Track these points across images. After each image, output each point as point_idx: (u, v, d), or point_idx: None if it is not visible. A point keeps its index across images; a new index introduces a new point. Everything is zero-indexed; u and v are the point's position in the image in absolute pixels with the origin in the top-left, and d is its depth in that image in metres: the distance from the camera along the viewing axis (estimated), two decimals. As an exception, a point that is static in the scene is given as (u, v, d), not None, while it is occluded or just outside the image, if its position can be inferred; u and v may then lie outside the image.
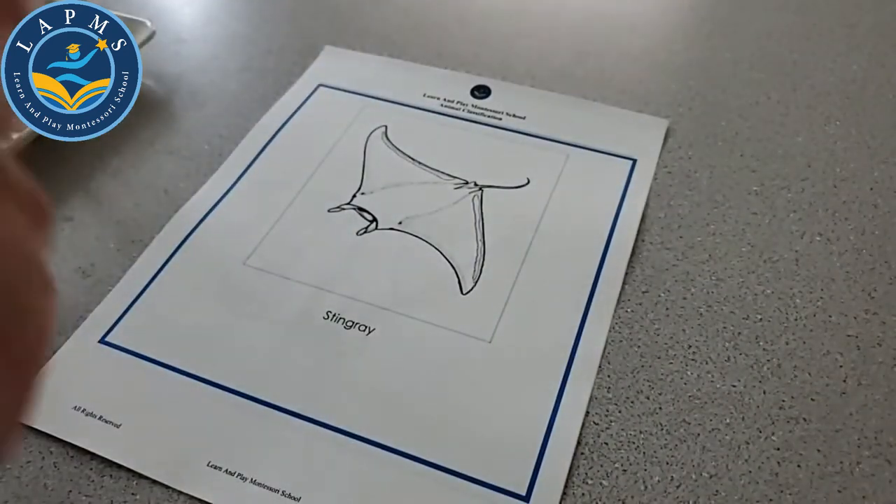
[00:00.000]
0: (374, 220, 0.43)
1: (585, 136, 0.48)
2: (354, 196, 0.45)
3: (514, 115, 0.50)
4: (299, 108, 0.50)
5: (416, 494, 0.32)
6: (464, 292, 0.40)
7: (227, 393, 0.36)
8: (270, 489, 0.33)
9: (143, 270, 0.41)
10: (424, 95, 0.51)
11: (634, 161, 0.46)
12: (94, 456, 0.34)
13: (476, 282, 0.40)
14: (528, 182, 0.45)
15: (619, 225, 0.42)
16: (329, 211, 0.44)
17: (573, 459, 0.34)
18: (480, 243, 0.42)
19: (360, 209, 0.44)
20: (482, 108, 0.50)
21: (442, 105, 0.51)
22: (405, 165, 0.46)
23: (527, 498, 0.32)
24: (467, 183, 0.45)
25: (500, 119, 0.49)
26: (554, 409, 0.35)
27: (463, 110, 0.50)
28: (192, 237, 0.43)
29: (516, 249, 0.41)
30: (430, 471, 0.33)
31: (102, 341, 0.38)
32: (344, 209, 0.44)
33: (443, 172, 0.46)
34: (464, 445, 0.34)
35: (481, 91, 0.51)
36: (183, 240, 0.43)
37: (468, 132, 0.49)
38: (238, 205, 0.45)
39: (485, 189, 0.44)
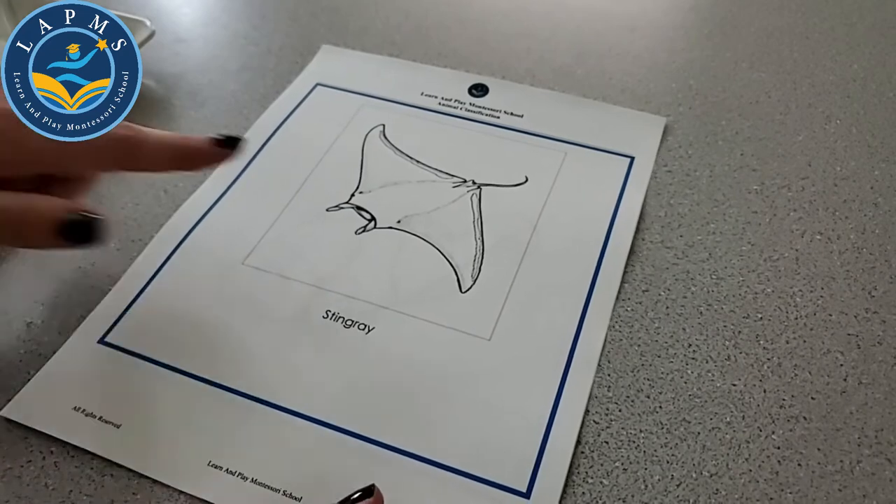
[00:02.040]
0: (373, 218, 0.43)
1: (583, 134, 0.48)
2: (353, 195, 0.45)
3: (511, 114, 0.50)
4: (297, 107, 0.50)
5: (416, 492, 0.32)
6: (463, 290, 0.40)
7: (227, 392, 0.36)
8: (271, 489, 0.33)
9: (141, 270, 0.41)
10: (422, 94, 0.51)
11: (632, 159, 0.46)
12: (94, 455, 0.34)
13: (475, 280, 0.40)
14: (527, 180, 0.45)
15: (618, 222, 0.42)
16: (327, 210, 0.44)
17: (573, 457, 0.34)
18: (479, 241, 0.42)
19: (359, 208, 0.44)
20: (480, 107, 0.50)
21: (440, 103, 0.51)
22: (403, 164, 0.46)
23: (527, 495, 0.32)
24: (465, 181, 0.45)
25: (498, 117, 0.49)
26: (554, 406, 0.35)
27: (461, 109, 0.50)
28: (191, 237, 0.43)
29: (515, 248, 0.41)
30: (431, 468, 0.33)
31: (101, 342, 0.38)
32: (342, 208, 0.44)
33: (441, 171, 0.46)
34: (464, 443, 0.34)
35: (479, 89, 0.51)
36: (181, 240, 0.43)
37: (466, 130, 0.49)
38: (236, 204, 0.44)
39: (483, 188, 0.44)
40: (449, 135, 0.48)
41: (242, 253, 0.42)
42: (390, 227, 0.43)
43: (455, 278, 0.40)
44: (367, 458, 0.34)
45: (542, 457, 0.33)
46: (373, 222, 0.43)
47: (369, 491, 0.31)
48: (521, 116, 0.49)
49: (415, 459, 0.33)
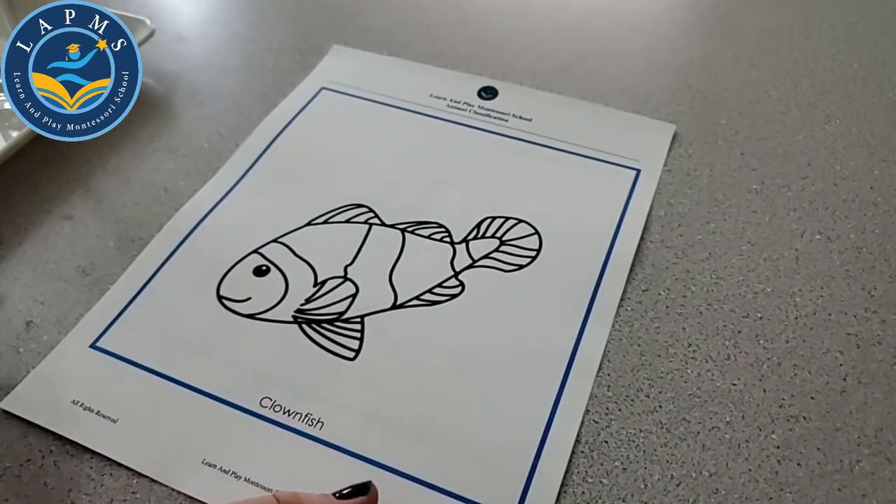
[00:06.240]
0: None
1: (591, 141, 0.48)
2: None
3: (520, 117, 0.49)
4: (301, 110, 0.50)
5: None
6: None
7: (219, 403, 0.36)
8: (264, 488, 0.33)
9: (138, 273, 0.41)
10: (431, 96, 0.51)
11: (638, 171, 0.46)
12: (94, 454, 0.34)
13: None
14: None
15: (621, 235, 0.42)
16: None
17: (572, 457, 0.34)
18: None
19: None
20: (489, 109, 0.50)
21: (448, 105, 0.50)
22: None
23: None
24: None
25: (507, 120, 0.49)
26: (545, 430, 0.35)
27: (469, 111, 0.50)
28: (189, 239, 0.42)
29: (518, 257, 0.41)
30: (420, 487, 0.33)
31: (93, 346, 0.38)
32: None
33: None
34: (454, 463, 0.33)
35: (488, 92, 0.51)
36: (180, 242, 0.42)
37: (474, 142, 0.48)
38: (237, 207, 0.44)
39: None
40: (454, 151, 0.48)
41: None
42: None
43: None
44: (358, 471, 0.33)
45: (529, 484, 0.33)
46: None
47: (364, 488, 0.31)
48: (530, 120, 0.49)
49: (404, 478, 0.33)
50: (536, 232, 0.42)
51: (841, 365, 0.37)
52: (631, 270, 0.41)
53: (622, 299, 0.40)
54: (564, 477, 0.33)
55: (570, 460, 0.34)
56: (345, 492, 0.31)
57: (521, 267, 0.41)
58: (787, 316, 0.39)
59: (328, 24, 0.58)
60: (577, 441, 0.34)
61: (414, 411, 0.35)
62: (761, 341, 0.38)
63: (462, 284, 0.40)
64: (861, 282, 0.40)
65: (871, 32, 0.56)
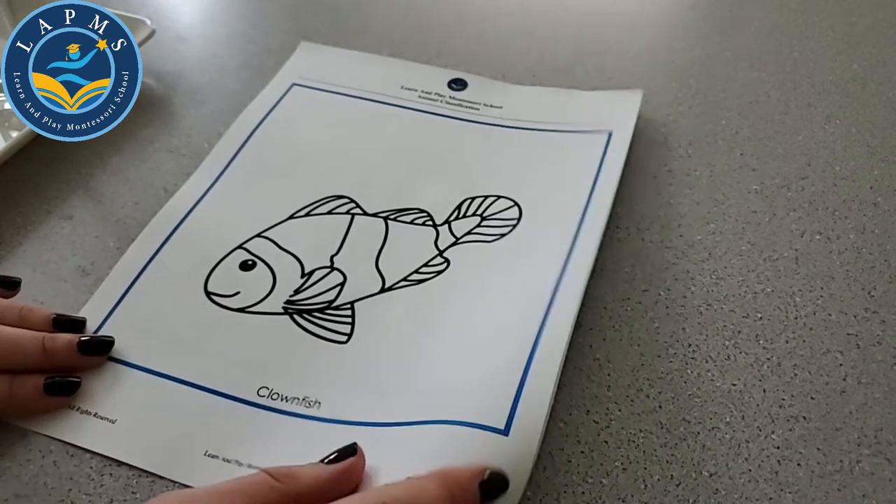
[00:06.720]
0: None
1: (562, 118, 0.48)
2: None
3: (491, 105, 0.50)
4: (274, 107, 0.50)
5: (401, 457, 0.32)
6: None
7: (218, 397, 0.36)
8: None
9: (123, 273, 0.41)
10: (402, 88, 0.51)
11: (610, 133, 0.46)
12: (93, 454, 0.34)
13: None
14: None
15: (598, 189, 0.43)
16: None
17: (573, 456, 0.34)
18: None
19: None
20: (460, 100, 0.50)
21: (420, 96, 0.51)
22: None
23: (505, 431, 0.31)
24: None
25: (478, 109, 0.50)
26: (534, 344, 0.35)
27: (441, 101, 0.50)
28: (173, 238, 0.42)
29: (498, 226, 0.42)
30: (410, 429, 0.33)
31: None
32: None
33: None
34: (442, 393, 0.34)
35: (458, 84, 0.51)
36: (163, 241, 0.42)
37: (446, 129, 0.49)
38: (219, 204, 0.44)
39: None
40: (427, 143, 0.48)
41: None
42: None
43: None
44: (354, 436, 0.33)
45: (521, 392, 0.33)
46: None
47: (351, 450, 0.31)
48: (501, 108, 0.50)
49: (397, 426, 0.33)
50: (516, 204, 0.43)
51: (841, 365, 0.37)
52: (631, 270, 0.41)
53: (623, 300, 0.40)
54: (564, 476, 0.33)
55: (552, 393, 0.34)
56: (332, 457, 0.31)
57: (503, 235, 0.42)
58: (786, 316, 0.39)
59: (328, 24, 0.58)
60: (577, 441, 0.34)
61: (408, 375, 0.36)
62: (761, 341, 0.38)
63: (447, 261, 0.41)
64: (861, 282, 0.40)
65: (871, 32, 0.56)
